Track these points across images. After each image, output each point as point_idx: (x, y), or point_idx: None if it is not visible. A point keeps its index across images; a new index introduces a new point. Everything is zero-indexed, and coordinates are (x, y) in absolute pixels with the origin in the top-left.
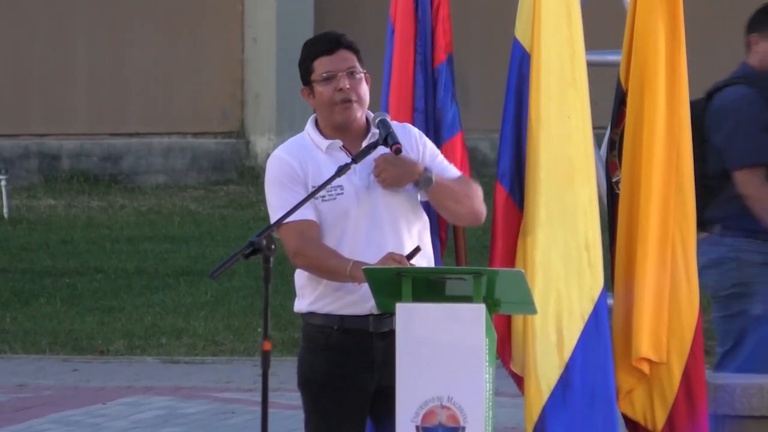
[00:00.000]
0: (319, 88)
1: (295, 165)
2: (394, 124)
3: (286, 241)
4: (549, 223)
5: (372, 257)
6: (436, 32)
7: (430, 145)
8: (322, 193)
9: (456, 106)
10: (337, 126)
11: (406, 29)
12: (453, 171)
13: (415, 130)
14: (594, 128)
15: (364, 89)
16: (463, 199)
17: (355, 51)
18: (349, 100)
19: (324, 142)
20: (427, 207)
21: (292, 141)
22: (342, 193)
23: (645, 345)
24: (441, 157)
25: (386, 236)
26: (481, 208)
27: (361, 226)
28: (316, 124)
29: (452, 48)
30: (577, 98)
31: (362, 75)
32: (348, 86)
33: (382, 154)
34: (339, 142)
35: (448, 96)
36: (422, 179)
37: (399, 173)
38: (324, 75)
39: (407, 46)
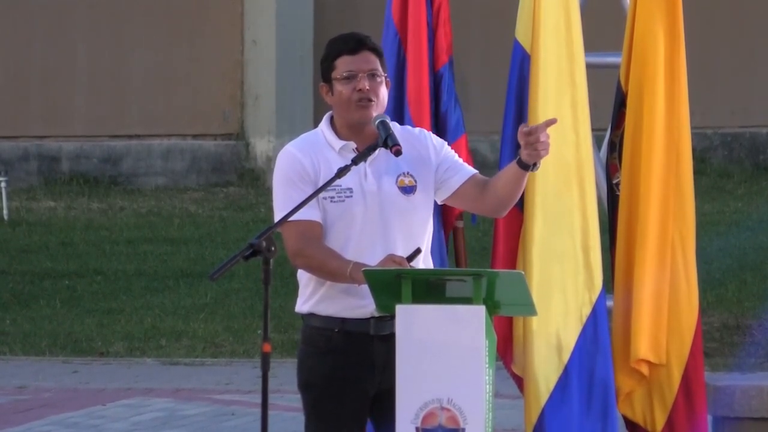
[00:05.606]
0: (338, 86)
1: (306, 163)
2: (410, 129)
3: (287, 241)
4: (547, 225)
5: (376, 261)
6: (438, 34)
7: (446, 145)
8: (331, 194)
9: (459, 109)
10: (354, 125)
11: (418, 32)
12: (469, 168)
13: (427, 132)
14: (593, 130)
15: (383, 92)
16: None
17: (379, 54)
18: (369, 99)
19: (338, 143)
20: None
21: (304, 137)
22: (351, 196)
23: (644, 346)
24: (457, 156)
25: (392, 241)
26: None
27: (367, 230)
28: (332, 123)
29: (452, 50)
30: (575, 100)
31: (383, 78)
32: (368, 87)
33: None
34: (353, 144)
35: (451, 99)
36: (539, 163)
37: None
38: (344, 74)
39: (420, 49)
